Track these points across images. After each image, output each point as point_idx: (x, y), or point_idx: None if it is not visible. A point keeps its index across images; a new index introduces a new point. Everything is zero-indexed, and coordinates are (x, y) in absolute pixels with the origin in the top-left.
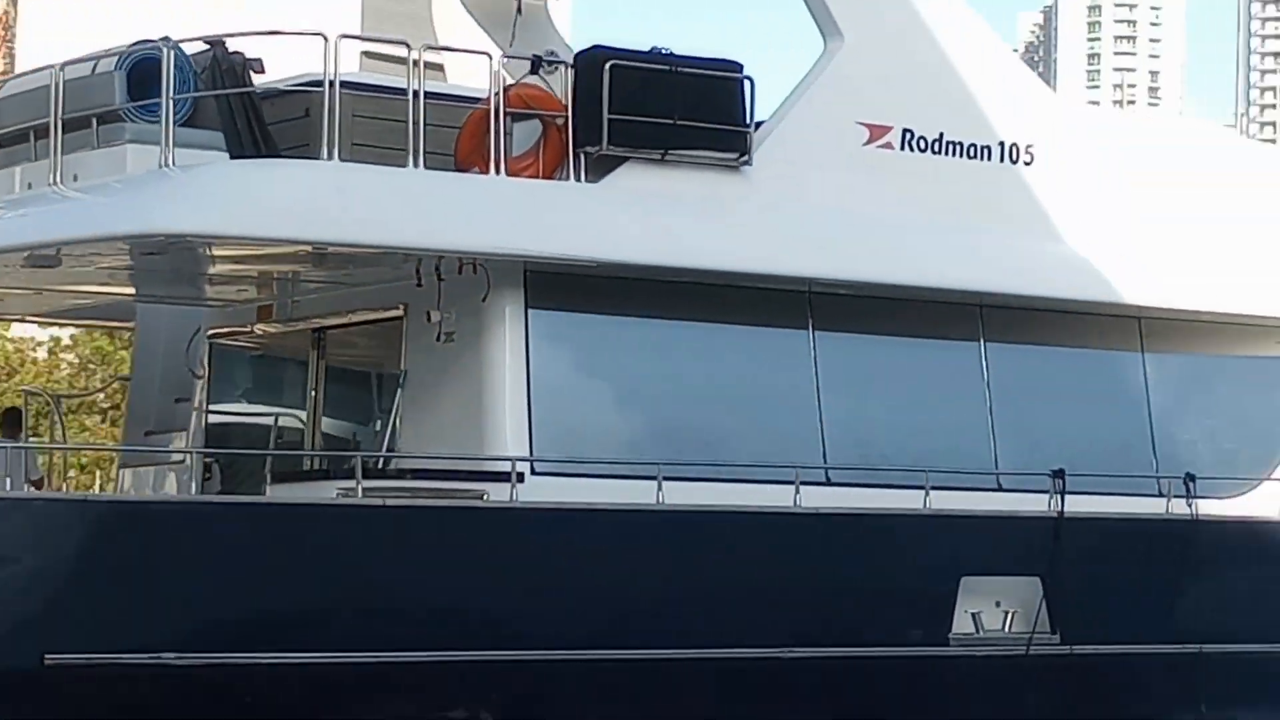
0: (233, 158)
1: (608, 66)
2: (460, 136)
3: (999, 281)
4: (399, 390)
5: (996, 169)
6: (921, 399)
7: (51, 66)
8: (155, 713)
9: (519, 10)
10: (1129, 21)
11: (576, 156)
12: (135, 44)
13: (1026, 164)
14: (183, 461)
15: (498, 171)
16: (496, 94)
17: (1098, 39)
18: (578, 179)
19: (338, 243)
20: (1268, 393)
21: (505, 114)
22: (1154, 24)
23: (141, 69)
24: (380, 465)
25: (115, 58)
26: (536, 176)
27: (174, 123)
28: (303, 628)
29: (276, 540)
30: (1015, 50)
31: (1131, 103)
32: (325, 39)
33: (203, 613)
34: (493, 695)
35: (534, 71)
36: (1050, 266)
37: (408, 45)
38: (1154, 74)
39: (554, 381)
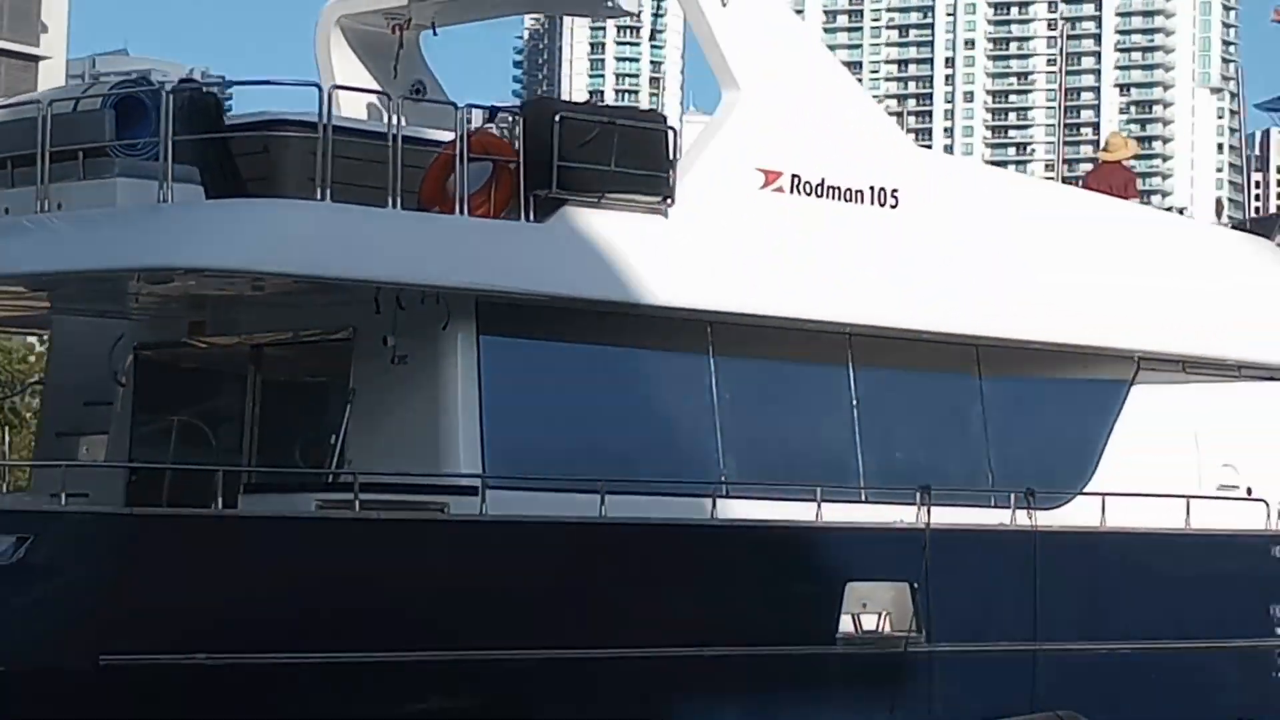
0: (208, 193)
1: (557, 118)
2: (425, 178)
3: (862, 314)
4: (347, 408)
5: (867, 211)
6: (801, 419)
7: (36, 101)
8: (195, 711)
9: (400, 44)
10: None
11: (527, 199)
12: (118, 83)
13: (892, 207)
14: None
15: (462, 212)
16: (462, 139)
17: (602, 28)
18: (528, 219)
19: (337, 278)
20: (1080, 414)
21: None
22: (658, 14)
23: (125, 106)
24: (331, 479)
25: (100, 97)
26: (488, 215)
27: (170, 160)
28: (318, 631)
29: (295, 549)
30: (520, 38)
31: (634, 92)
32: (320, 89)
33: (231, 615)
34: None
35: (491, 120)
36: (906, 300)
37: (388, 95)
38: (656, 64)
39: (503, 403)
